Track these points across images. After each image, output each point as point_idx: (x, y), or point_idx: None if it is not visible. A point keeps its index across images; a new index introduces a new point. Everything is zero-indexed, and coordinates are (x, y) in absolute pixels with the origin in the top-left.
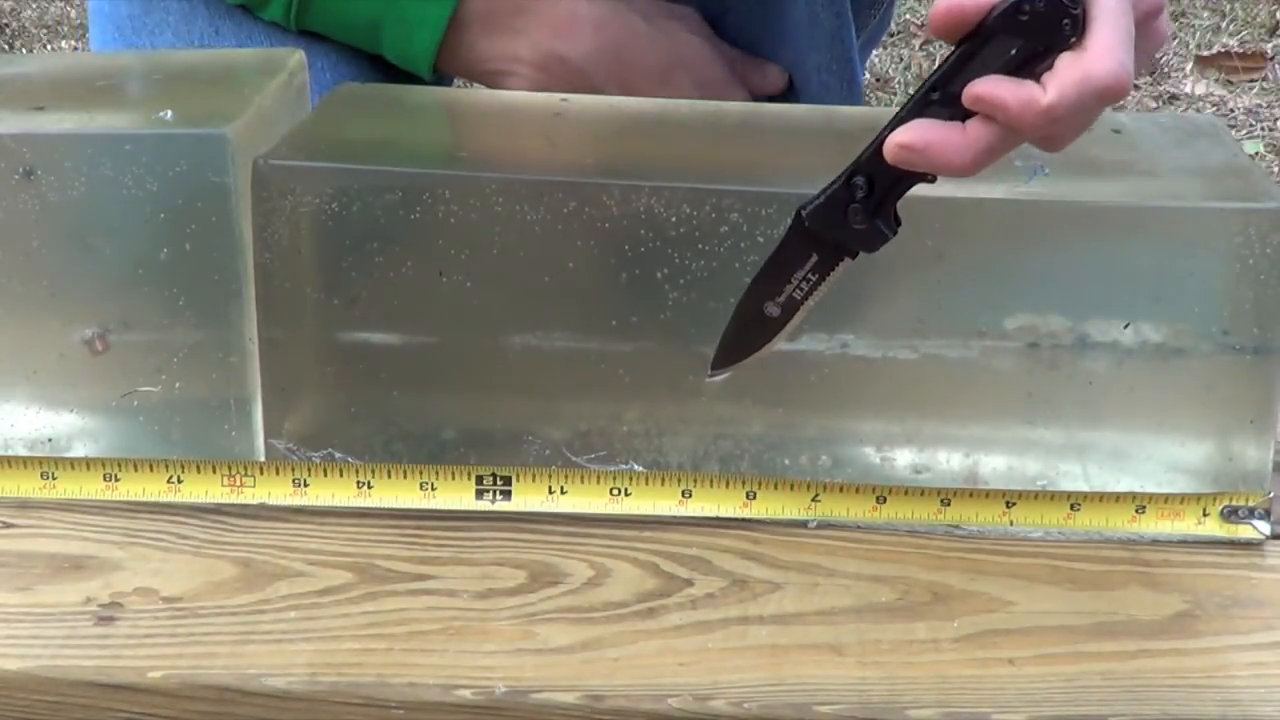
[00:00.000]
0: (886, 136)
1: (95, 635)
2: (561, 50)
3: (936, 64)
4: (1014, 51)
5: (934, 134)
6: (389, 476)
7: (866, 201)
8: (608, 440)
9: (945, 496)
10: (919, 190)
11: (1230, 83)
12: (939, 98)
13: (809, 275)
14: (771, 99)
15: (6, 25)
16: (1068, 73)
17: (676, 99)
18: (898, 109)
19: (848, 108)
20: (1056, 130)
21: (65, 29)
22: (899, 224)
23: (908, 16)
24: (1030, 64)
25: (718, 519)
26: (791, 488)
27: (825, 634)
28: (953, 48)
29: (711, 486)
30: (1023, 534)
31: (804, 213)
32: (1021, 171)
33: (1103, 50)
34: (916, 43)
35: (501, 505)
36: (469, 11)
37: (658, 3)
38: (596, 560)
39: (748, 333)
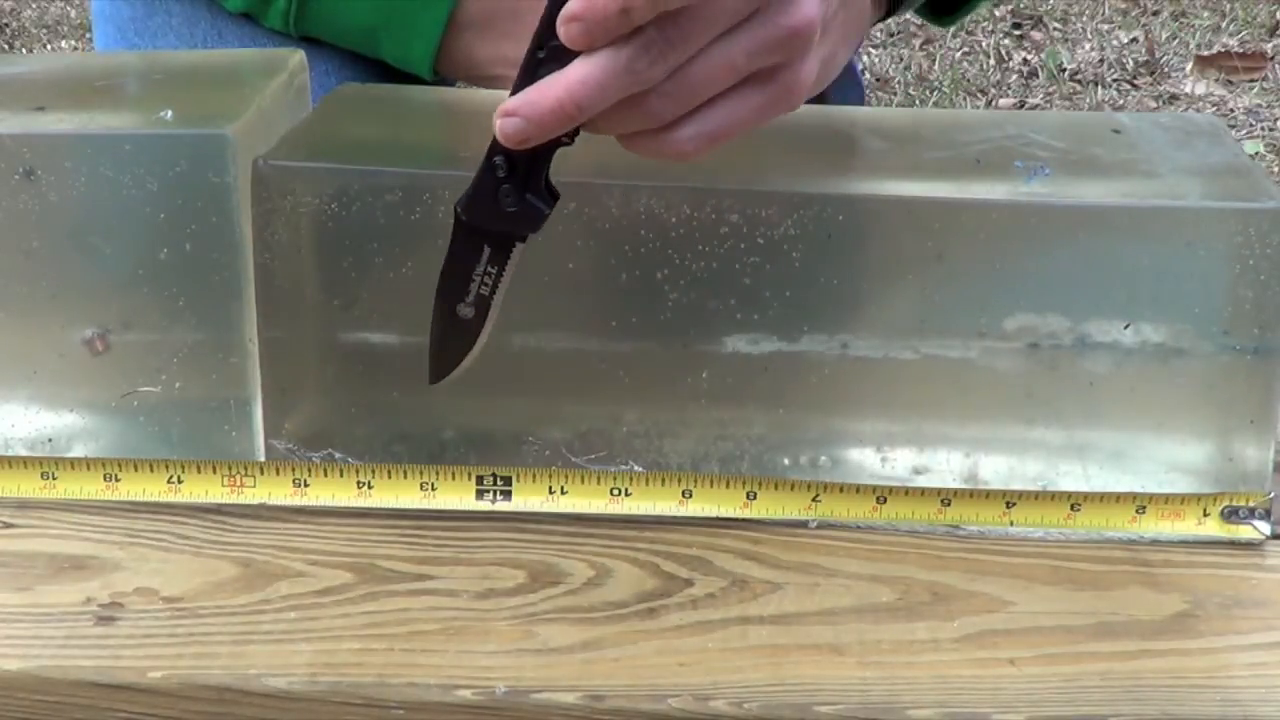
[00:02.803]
0: None
1: (95, 635)
2: None
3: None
4: None
5: (528, 94)
6: (389, 476)
7: (512, 180)
8: (608, 441)
9: (945, 496)
10: (919, 190)
11: (1230, 83)
12: (545, 55)
13: (488, 269)
14: None
15: (6, 25)
16: None
17: None
18: (519, 70)
19: (847, 108)
20: (633, 9)
21: (65, 29)
22: (555, 196)
23: (908, 16)
24: None
25: (718, 519)
26: (792, 488)
27: (825, 634)
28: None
29: (712, 487)
30: (1023, 534)
31: (458, 207)
32: (1021, 172)
33: None
34: (917, 42)
35: (501, 505)
36: (465, 16)
37: None
38: (597, 560)
39: (451, 340)
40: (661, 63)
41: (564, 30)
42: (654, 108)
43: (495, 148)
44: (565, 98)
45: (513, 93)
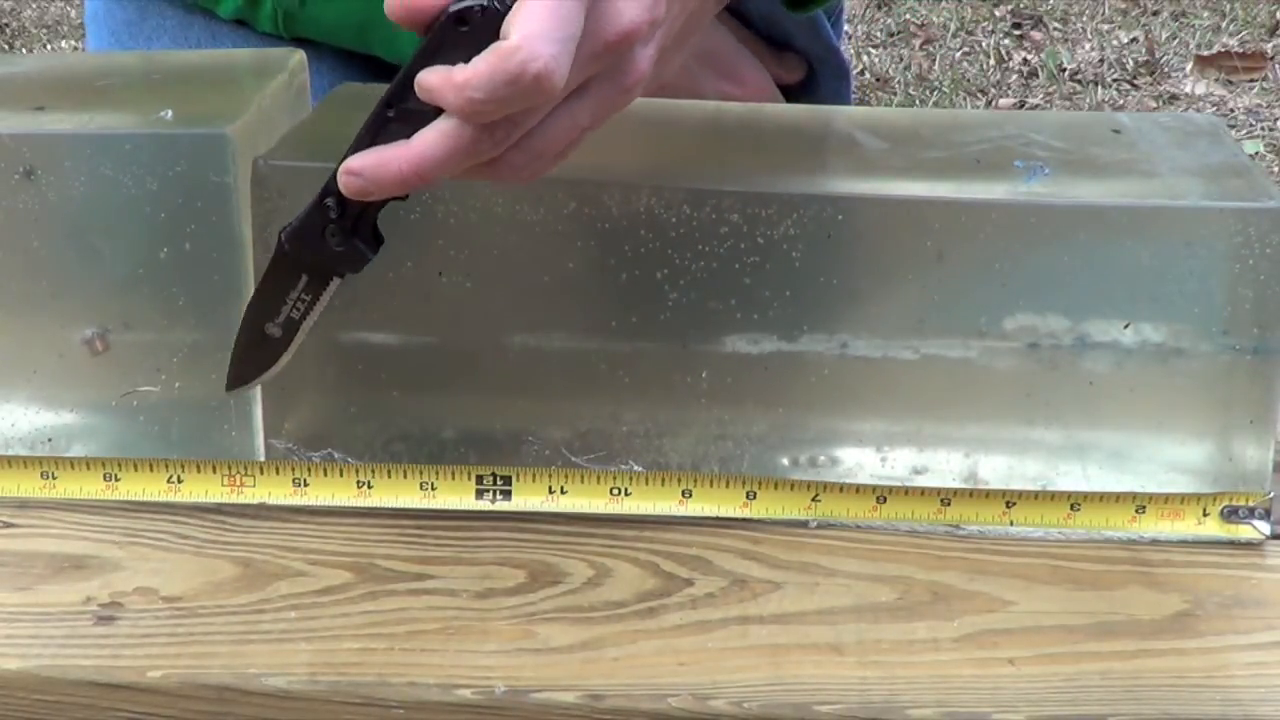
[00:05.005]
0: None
1: (95, 635)
2: None
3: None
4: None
5: (376, 156)
6: (389, 476)
7: (341, 222)
8: (607, 440)
9: (945, 496)
10: (919, 190)
11: (1230, 83)
12: (395, 115)
13: (303, 295)
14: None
15: (6, 25)
16: (487, 54)
17: (689, 89)
18: (364, 125)
19: (846, 108)
20: (485, 112)
21: (65, 29)
22: (380, 242)
23: (908, 17)
24: None
25: (718, 519)
26: (791, 488)
27: (825, 634)
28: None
29: (711, 486)
30: (1023, 534)
31: (283, 235)
32: (1021, 171)
33: (522, 37)
34: (917, 43)
35: (501, 505)
36: None
37: None
38: (596, 560)
39: (255, 353)
40: (505, 143)
41: (422, 94)
42: (501, 172)
43: (329, 189)
44: (410, 171)
45: (355, 143)
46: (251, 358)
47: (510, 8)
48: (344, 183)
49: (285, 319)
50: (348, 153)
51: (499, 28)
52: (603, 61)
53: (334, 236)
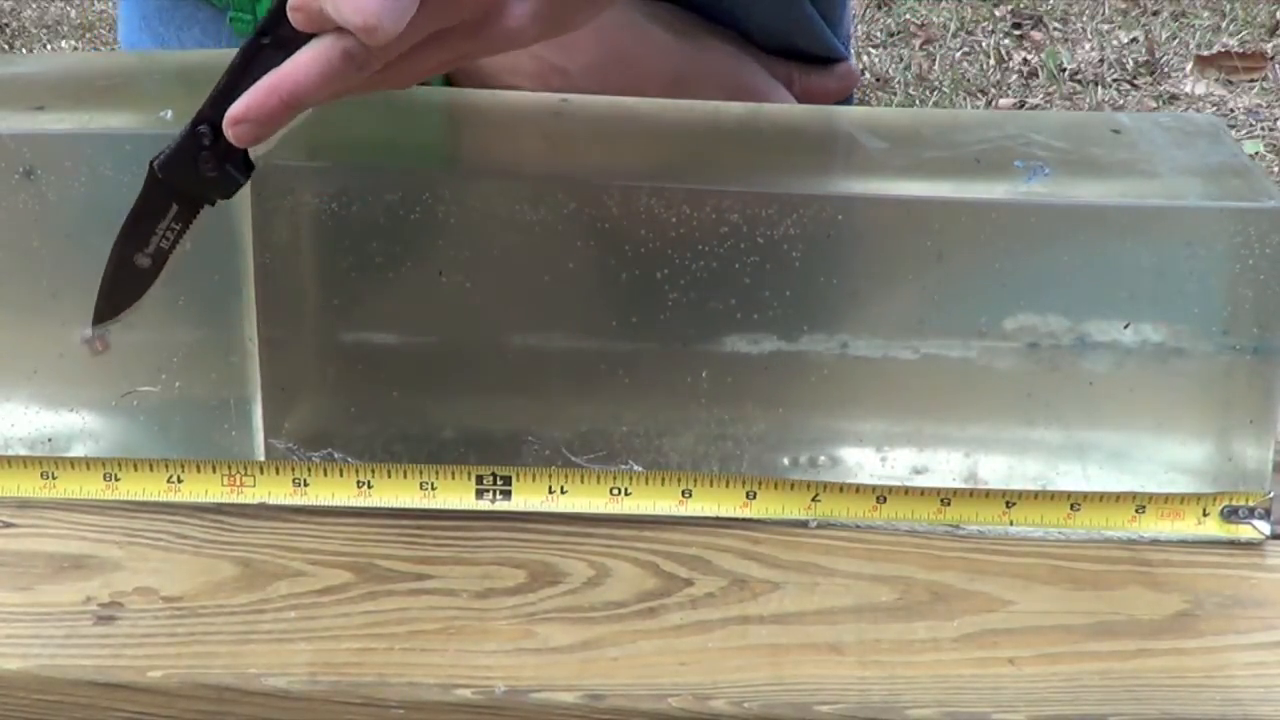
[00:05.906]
0: (225, 85)
1: (95, 635)
2: (559, 62)
3: (940, 63)
4: None
5: (254, 97)
6: (389, 476)
7: (214, 148)
8: (607, 440)
9: (945, 496)
10: (919, 190)
11: (1230, 83)
12: (270, 41)
13: (172, 225)
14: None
15: (6, 25)
16: None
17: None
18: (237, 53)
19: (846, 108)
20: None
21: (65, 29)
22: (251, 168)
23: (908, 17)
24: None
25: (718, 519)
26: (791, 487)
27: (825, 634)
28: None
29: (711, 486)
30: (1023, 534)
31: (155, 163)
32: (1021, 171)
33: None
34: (917, 43)
35: (501, 505)
36: None
37: (695, 19)
38: (596, 560)
39: (123, 286)
40: (371, 67)
41: (294, 16)
42: (375, 87)
43: (201, 116)
44: (290, 98)
45: (229, 75)
46: (119, 290)
47: None
48: (234, 134)
49: (155, 249)
50: (222, 88)
51: None
52: (465, 12)
53: (206, 164)
